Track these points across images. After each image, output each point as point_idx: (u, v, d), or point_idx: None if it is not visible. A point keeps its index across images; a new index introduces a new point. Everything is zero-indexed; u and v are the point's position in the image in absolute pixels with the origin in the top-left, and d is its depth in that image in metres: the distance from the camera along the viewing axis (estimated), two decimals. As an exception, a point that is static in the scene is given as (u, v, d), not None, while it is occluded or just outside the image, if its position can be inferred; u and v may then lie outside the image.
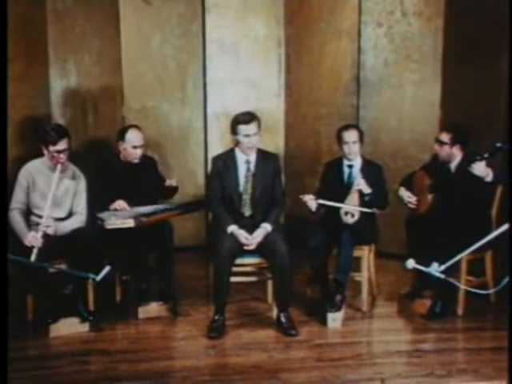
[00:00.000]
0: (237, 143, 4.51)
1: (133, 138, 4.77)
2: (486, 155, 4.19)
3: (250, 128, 4.42)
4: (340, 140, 4.71)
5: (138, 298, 4.65)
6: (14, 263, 3.79)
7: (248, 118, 4.45)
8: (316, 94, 6.14)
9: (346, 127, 4.72)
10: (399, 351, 4.07)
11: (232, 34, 6.12)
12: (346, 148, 4.68)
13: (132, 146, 4.76)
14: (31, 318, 4.38)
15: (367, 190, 4.53)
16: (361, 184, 4.53)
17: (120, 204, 4.68)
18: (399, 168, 5.55)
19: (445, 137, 4.56)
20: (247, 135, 4.42)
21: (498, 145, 4.12)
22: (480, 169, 4.26)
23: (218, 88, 6.15)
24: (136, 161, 4.81)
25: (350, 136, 4.65)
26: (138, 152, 4.78)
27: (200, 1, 6.07)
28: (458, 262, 4.05)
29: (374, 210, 4.56)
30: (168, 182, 4.98)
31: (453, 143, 4.55)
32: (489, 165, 4.28)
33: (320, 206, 4.59)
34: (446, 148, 4.56)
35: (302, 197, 4.60)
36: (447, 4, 5.42)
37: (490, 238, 3.80)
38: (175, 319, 4.57)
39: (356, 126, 4.84)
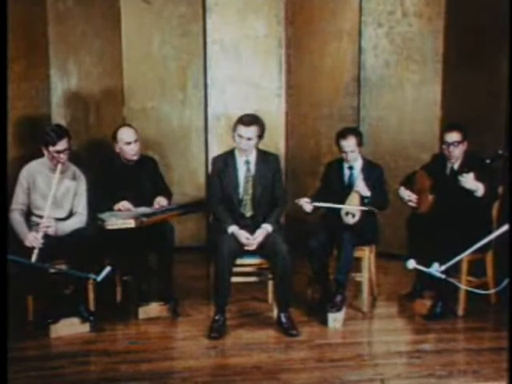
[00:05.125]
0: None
1: (124, 135, 4.78)
2: (487, 161, 4.19)
3: (246, 130, 4.39)
4: (338, 147, 4.69)
5: (138, 298, 4.65)
6: (15, 263, 3.79)
7: (248, 120, 4.43)
8: (316, 95, 6.14)
9: (344, 135, 4.64)
10: (400, 352, 4.07)
11: (233, 34, 6.11)
12: (344, 156, 4.67)
13: (125, 142, 4.76)
14: (32, 319, 4.38)
15: (366, 193, 4.53)
16: (360, 187, 4.53)
17: (124, 205, 4.68)
18: (400, 168, 5.55)
19: (459, 136, 4.56)
20: (240, 136, 4.41)
21: (500, 152, 4.13)
22: (468, 182, 4.28)
23: (219, 88, 6.15)
24: (135, 157, 4.81)
25: (349, 145, 4.61)
26: (133, 147, 4.78)
27: (201, 1, 6.07)
28: (459, 262, 4.06)
29: (371, 208, 4.56)
30: (157, 201, 4.83)
31: (464, 141, 4.57)
32: (479, 179, 4.29)
33: (318, 206, 4.61)
34: (461, 146, 4.57)
35: (297, 201, 4.61)
36: (448, 5, 5.42)
37: (491, 239, 3.81)
38: (176, 319, 4.57)
39: (354, 131, 4.75)
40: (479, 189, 4.31)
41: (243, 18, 6.13)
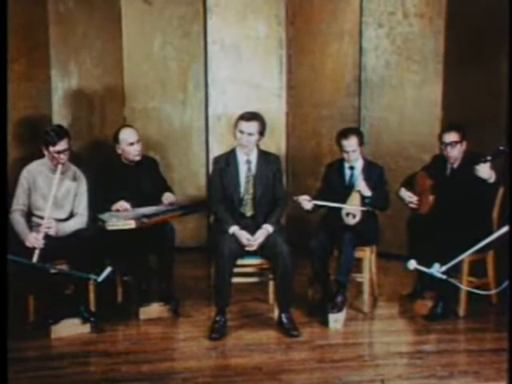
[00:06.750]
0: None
1: (126, 136, 4.78)
2: (488, 158, 4.19)
3: (247, 125, 4.42)
4: (339, 147, 4.70)
5: (139, 298, 4.65)
6: (16, 264, 3.79)
7: (249, 116, 4.46)
8: (317, 95, 6.14)
9: (345, 134, 4.65)
10: (400, 352, 4.07)
11: (233, 34, 6.12)
12: (345, 155, 4.67)
13: (128, 143, 4.76)
14: (32, 319, 4.38)
15: (367, 193, 4.53)
16: (361, 187, 4.53)
17: (122, 205, 4.68)
18: (400, 168, 5.55)
19: (457, 136, 4.56)
20: (241, 131, 4.43)
21: (501, 148, 4.13)
22: (485, 171, 4.27)
23: (220, 89, 6.15)
24: (137, 158, 4.81)
25: (350, 145, 4.61)
26: (137, 148, 4.78)
27: (201, 2, 6.08)
28: (460, 262, 4.06)
29: (372, 208, 4.55)
30: (165, 198, 4.85)
31: (462, 141, 4.57)
32: (492, 166, 4.29)
33: (319, 205, 4.60)
34: (459, 147, 4.57)
35: (295, 198, 4.61)
36: (448, 5, 5.42)
37: (492, 239, 3.81)
38: (176, 320, 4.57)
39: (355, 131, 4.76)
40: (493, 176, 4.31)
41: (244, 19, 6.14)
